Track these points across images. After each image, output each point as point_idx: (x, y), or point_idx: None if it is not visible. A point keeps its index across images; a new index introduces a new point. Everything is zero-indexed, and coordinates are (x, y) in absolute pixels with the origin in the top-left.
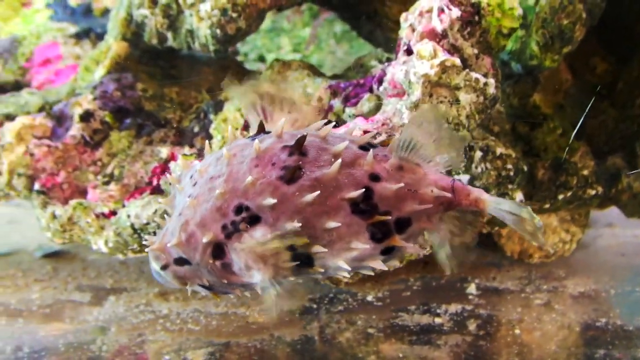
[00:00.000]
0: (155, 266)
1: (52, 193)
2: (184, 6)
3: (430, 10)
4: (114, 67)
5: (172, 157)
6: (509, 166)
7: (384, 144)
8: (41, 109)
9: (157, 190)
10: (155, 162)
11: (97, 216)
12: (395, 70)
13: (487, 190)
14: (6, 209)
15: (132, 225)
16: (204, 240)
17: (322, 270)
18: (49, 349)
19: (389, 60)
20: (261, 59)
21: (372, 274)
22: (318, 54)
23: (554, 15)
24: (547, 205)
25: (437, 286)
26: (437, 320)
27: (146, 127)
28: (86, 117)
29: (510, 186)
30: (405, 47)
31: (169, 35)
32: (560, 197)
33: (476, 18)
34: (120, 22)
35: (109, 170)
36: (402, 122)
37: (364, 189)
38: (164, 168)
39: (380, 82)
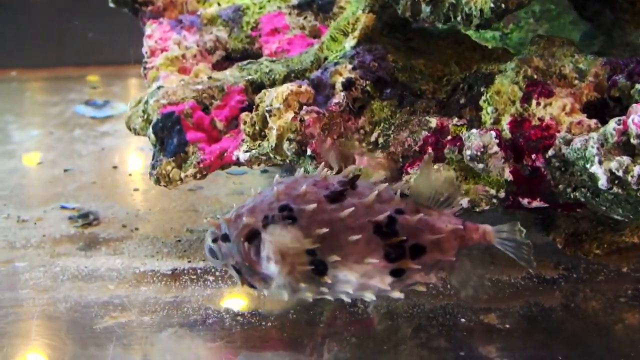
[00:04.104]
0: (208, 241)
1: (319, 159)
2: None
3: None
4: (363, 38)
5: (442, 127)
6: None
7: None
8: (287, 77)
9: (439, 159)
10: (424, 132)
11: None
12: None
13: None
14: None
15: None
16: (245, 221)
17: (330, 281)
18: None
19: None
20: None
21: (374, 298)
22: (518, 32)
23: None
24: None
25: None
26: None
27: (406, 97)
28: (348, 85)
29: None
30: None
31: (427, 8)
32: None
33: None
34: None
35: (372, 138)
36: None
37: (388, 215)
38: (437, 138)
39: None
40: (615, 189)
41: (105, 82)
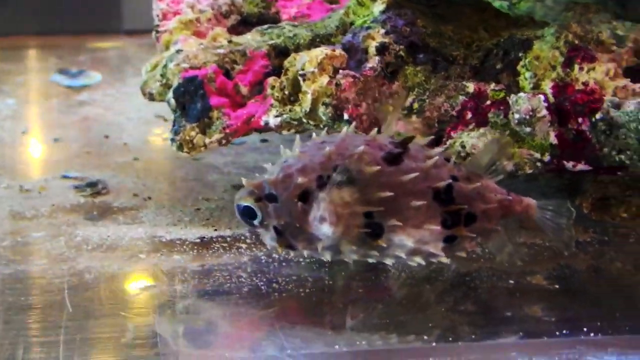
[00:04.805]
0: (247, 200)
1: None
2: None
3: None
4: (392, 3)
5: (480, 92)
6: None
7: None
8: (312, 42)
9: (480, 124)
10: (461, 97)
11: None
12: None
13: None
14: None
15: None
16: (298, 181)
17: (385, 245)
18: None
19: None
20: None
21: (423, 263)
22: (526, 2)
23: None
24: None
25: None
26: None
27: (439, 62)
28: (382, 50)
29: None
30: None
31: None
32: None
33: None
34: None
35: (407, 103)
36: None
37: (447, 182)
38: (477, 103)
39: None
40: None
41: (71, 52)
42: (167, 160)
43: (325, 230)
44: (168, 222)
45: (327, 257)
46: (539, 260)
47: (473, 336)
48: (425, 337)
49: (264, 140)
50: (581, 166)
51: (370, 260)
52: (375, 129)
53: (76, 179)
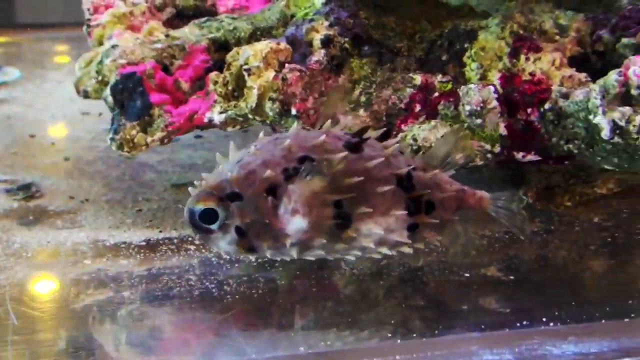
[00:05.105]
0: (210, 203)
1: (301, 119)
2: None
3: None
4: None
5: (427, 84)
6: None
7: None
8: (252, 35)
9: (429, 116)
10: (409, 89)
11: None
12: None
13: None
14: None
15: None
16: (265, 175)
17: (354, 235)
18: None
19: None
20: None
21: (389, 253)
22: None
23: None
24: None
25: None
26: None
27: (384, 54)
28: (327, 42)
29: None
30: None
31: None
32: None
33: None
34: None
35: (354, 97)
36: None
37: (408, 169)
38: (425, 95)
39: None
40: (616, 139)
41: None
42: (99, 159)
43: (297, 222)
44: (110, 224)
45: (294, 254)
46: (489, 252)
47: (436, 331)
48: (389, 335)
49: (198, 137)
50: (531, 157)
51: (335, 256)
52: (329, 121)
53: (6, 181)
